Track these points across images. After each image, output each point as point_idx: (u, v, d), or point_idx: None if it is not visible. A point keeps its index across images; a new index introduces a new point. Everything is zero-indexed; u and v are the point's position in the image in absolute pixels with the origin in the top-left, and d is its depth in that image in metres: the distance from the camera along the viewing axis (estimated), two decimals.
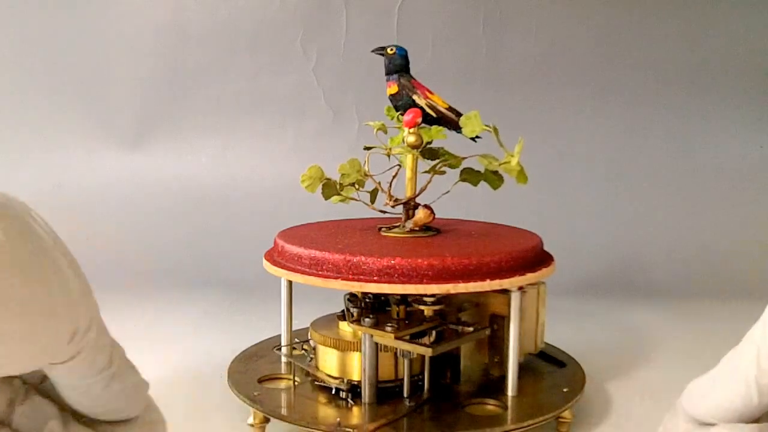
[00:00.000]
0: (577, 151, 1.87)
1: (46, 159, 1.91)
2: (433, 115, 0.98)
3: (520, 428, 0.81)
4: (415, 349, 0.82)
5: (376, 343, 0.85)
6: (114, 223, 1.83)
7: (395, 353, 0.87)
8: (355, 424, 0.80)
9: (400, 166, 0.98)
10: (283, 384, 0.92)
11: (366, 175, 0.96)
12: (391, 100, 1.00)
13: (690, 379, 1.04)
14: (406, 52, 1.00)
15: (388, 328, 0.83)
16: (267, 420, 0.86)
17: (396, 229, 0.96)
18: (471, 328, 0.88)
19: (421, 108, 0.97)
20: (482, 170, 0.97)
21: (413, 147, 0.93)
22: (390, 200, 0.95)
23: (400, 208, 0.96)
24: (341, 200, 0.98)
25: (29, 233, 0.48)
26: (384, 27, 1.83)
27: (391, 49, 1.00)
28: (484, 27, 1.85)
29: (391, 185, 0.96)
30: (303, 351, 0.98)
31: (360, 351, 0.85)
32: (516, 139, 0.91)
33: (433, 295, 0.85)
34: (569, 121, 1.87)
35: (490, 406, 0.87)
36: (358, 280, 0.82)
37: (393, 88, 0.99)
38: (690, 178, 1.85)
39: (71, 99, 1.90)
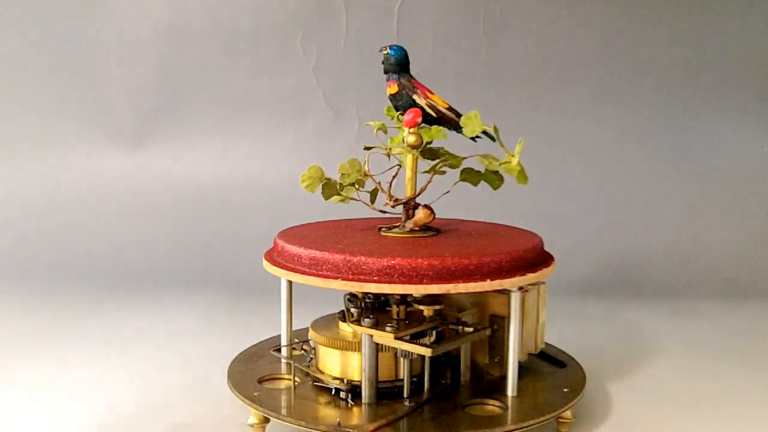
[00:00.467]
0: (577, 151, 1.87)
1: (46, 159, 1.91)
2: (434, 115, 0.98)
3: (521, 428, 0.81)
4: (415, 350, 0.82)
5: (376, 344, 0.85)
6: (114, 223, 1.83)
7: (395, 353, 0.87)
8: (355, 424, 0.80)
9: (400, 166, 0.98)
10: (283, 384, 0.92)
11: (366, 175, 0.96)
12: (391, 100, 1.00)
13: (690, 379, 1.04)
14: (405, 51, 1.00)
15: (388, 329, 0.83)
16: (267, 420, 0.86)
17: (396, 229, 0.96)
18: (471, 328, 0.88)
19: (422, 108, 0.97)
20: (482, 170, 0.97)
21: (413, 147, 0.93)
22: (390, 200, 0.95)
23: (400, 208, 0.96)
24: (341, 200, 0.98)
25: None
26: (384, 27, 1.83)
27: (385, 50, 1.00)
28: (484, 27, 1.85)
29: (391, 185, 0.96)
30: (303, 351, 0.98)
31: (360, 351, 0.85)
32: (516, 139, 0.91)
33: (433, 295, 0.85)
34: (569, 121, 1.87)
35: (490, 406, 0.87)
36: (358, 280, 0.82)
37: (393, 88, 0.99)
38: (690, 178, 1.85)
39: (71, 99, 1.90)
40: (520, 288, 0.87)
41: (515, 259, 0.86)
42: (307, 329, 0.95)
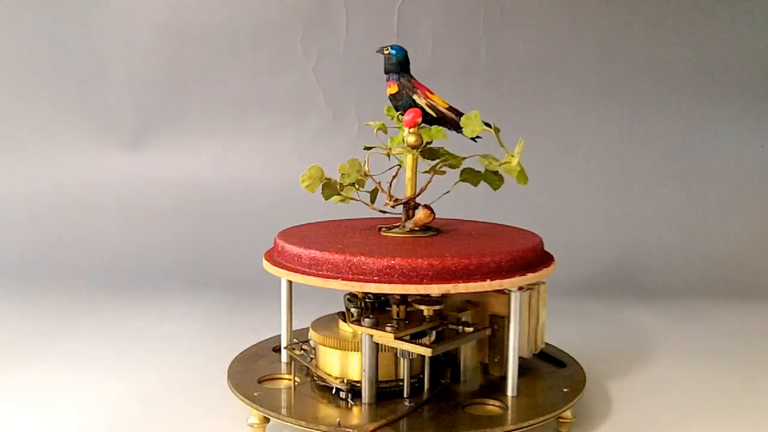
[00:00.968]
0: (577, 151, 1.87)
1: (46, 159, 1.91)
2: (434, 114, 0.98)
3: (521, 428, 0.81)
4: (415, 349, 0.82)
5: (376, 343, 0.85)
6: (114, 223, 1.83)
7: (395, 353, 0.87)
8: (355, 424, 0.80)
9: (400, 166, 0.98)
10: (283, 384, 0.93)
11: (366, 175, 0.96)
12: (391, 100, 1.00)
13: (690, 379, 1.04)
14: (405, 51, 1.00)
15: (388, 329, 0.83)
16: (267, 420, 0.86)
17: (396, 229, 0.96)
18: (471, 328, 0.88)
19: (421, 108, 0.97)
20: (482, 170, 0.97)
21: (413, 147, 0.93)
22: (390, 200, 0.95)
23: (400, 208, 0.96)
24: (341, 200, 0.98)
25: None
26: (384, 27, 1.83)
27: (387, 50, 1.00)
28: (484, 27, 1.85)
29: (391, 185, 0.96)
30: (303, 351, 0.98)
31: (360, 351, 0.85)
32: (516, 139, 0.91)
33: (433, 295, 0.85)
34: (569, 121, 1.87)
35: (490, 406, 0.87)
36: (358, 280, 0.82)
37: (393, 88, 0.99)
38: (690, 178, 1.85)
39: (71, 99, 1.90)
40: (520, 288, 0.87)
41: (515, 259, 0.86)
42: (307, 329, 0.95)
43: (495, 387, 0.90)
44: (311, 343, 0.94)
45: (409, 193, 0.95)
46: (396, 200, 0.95)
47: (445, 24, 1.85)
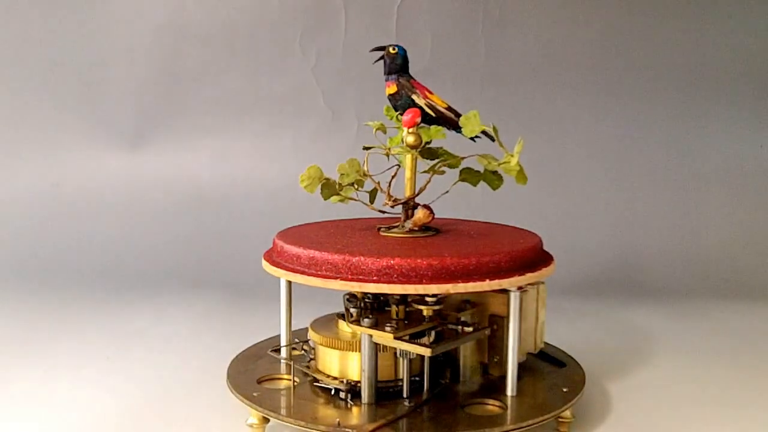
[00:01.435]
0: (577, 151, 1.87)
1: (45, 158, 1.91)
2: (433, 114, 0.98)
3: (520, 428, 0.81)
4: (415, 349, 0.82)
5: (376, 344, 0.85)
6: (114, 223, 1.83)
7: (394, 353, 0.87)
8: (355, 424, 0.80)
9: (399, 166, 0.98)
10: (282, 384, 0.92)
11: (365, 175, 0.96)
12: (390, 100, 1.00)
13: (690, 379, 1.04)
14: (404, 51, 1.00)
15: (388, 329, 0.83)
16: (267, 420, 0.86)
17: (395, 229, 0.96)
18: (471, 328, 0.88)
19: (421, 108, 0.97)
20: (482, 170, 0.97)
21: (412, 147, 0.93)
22: (389, 200, 0.95)
23: (399, 208, 0.96)
24: (340, 200, 0.98)
25: None
26: (384, 27, 1.83)
27: (393, 49, 1.00)
28: (484, 27, 1.85)
29: (390, 185, 0.96)
30: (302, 351, 0.98)
31: (359, 351, 0.85)
32: (515, 139, 0.91)
33: (432, 295, 0.85)
34: (569, 121, 1.87)
35: (490, 406, 0.87)
36: (358, 280, 0.82)
37: (392, 88, 0.99)
38: (690, 178, 1.85)
39: (71, 99, 1.90)
40: (520, 288, 0.87)
41: (514, 258, 0.86)
42: (306, 329, 0.95)
43: (494, 387, 0.90)
44: (311, 343, 0.94)
45: (408, 193, 0.95)
46: (395, 200, 0.95)
47: (445, 24, 1.85)
